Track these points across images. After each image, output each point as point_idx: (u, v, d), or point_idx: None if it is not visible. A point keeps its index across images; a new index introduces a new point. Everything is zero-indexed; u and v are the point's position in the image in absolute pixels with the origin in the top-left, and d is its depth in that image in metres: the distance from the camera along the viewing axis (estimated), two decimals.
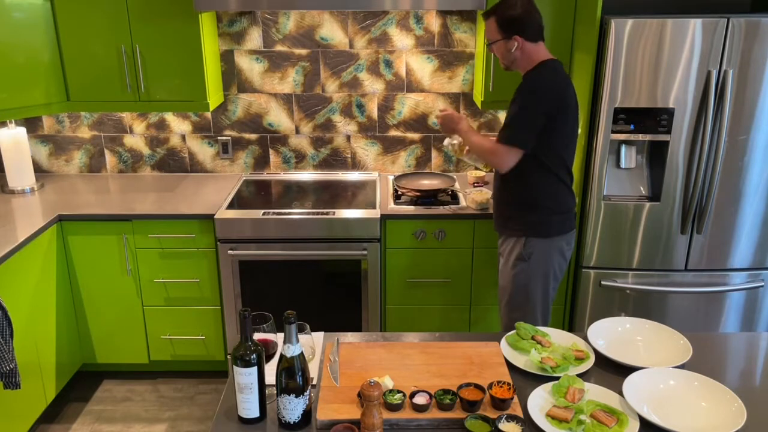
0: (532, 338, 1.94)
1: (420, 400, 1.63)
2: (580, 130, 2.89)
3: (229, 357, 3.18)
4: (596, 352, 1.89)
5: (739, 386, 1.76)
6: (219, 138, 3.51)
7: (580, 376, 1.77)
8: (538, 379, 1.77)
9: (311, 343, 1.78)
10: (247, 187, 3.38)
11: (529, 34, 2.37)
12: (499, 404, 1.62)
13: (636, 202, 2.87)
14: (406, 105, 3.44)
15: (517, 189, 2.49)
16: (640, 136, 2.79)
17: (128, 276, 3.09)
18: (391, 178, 3.44)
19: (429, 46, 3.33)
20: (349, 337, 2.02)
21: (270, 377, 1.68)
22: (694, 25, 2.61)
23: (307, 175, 3.54)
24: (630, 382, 1.71)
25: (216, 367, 3.35)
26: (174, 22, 2.96)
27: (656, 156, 2.85)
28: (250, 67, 3.37)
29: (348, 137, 3.51)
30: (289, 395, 1.56)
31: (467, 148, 2.74)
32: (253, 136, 3.51)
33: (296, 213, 3.00)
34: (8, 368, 2.39)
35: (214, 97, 3.19)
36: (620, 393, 1.69)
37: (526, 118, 2.36)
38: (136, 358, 3.26)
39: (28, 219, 2.93)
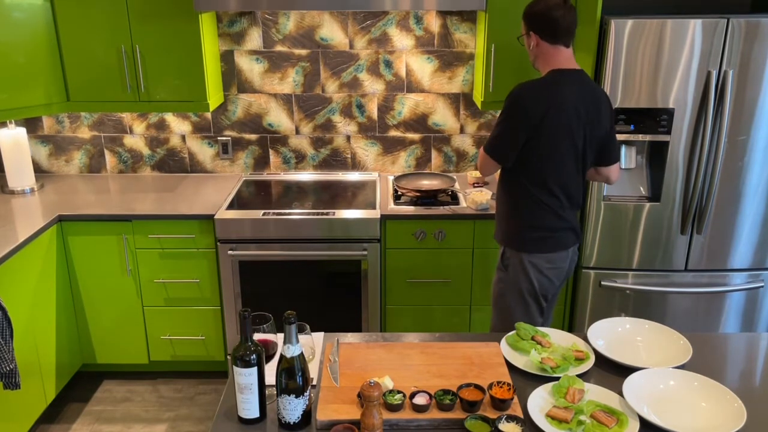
0: (532, 338, 1.94)
1: (420, 400, 1.63)
2: None
3: (229, 357, 3.18)
4: (596, 352, 1.89)
5: (739, 386, 1.76)
6: (219, 138, 3.51)
7: (580, 376, 1.77)
8: (538, 380, 1.77)
9: (311, 344, 1.78)
10: (247, 187, 3.38)
11: (546, 33, 2.28)
12: (499, 404, 1.62)
13: (636, 202, 2.87)
14: (406, 105, 3.44)
15: (499, 197, 2.49)
16: (640, 137, 2.79)
17: (128, 276, 3.09)
18: (391, 178, 3.44)
19: (429, 47, 3.34)
20: (349, 337, 2.02)
21: (270, 377, 1.68)
22: (694, 26, 2.61)
23: (307, 176, 3.54)
24: (630, 383, 1.71)
25: (216, 368, 3.35)
26: (174, 22, 2.96)
27: (656, 156, 2.85)
28: (250, 67, 3.38)
29: (348, 137, 3.51)
30: (289, 395, 1.56)
31: None
32: (253, 137, 3.51)
33: (296, 213, 3.00)
34: (8, 368, 2.39)
35: (214, 98, 3.20)
36: (620, 393, 1.69)
37: (503, 133, 2.31)
38: (136, 358, 3.26)
39: (28, 219, 2.93)
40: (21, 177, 3.29)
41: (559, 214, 2.37)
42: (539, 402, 1.67)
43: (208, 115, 3.47)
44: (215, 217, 2.98)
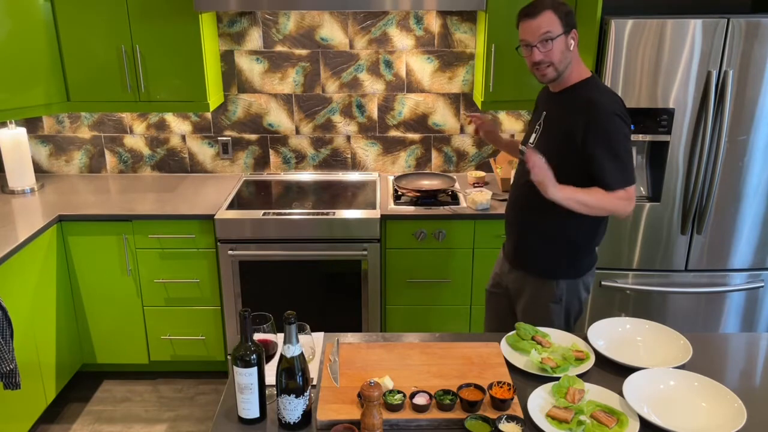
0: (532, 339, 1.94)
1: (420, 400, 1.63)
2: None
3: (229, 357, 3.18)
4: (596, 352, 1.89)
5: (739, 386, 1.76)
6: (219, 138, 3.51)
7: (580, 376, 1.76)
8: (538, 380, 1.77)
9: (311, 344, 1.78)
10: (248, 187, 3.38)
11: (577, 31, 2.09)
12: (499, 404, 1.62)
13: (636, 202, 2.87)
14: (406, 105, 3.44)
15: (557, 227, 2.16)
16: (640, 137, 2.79)
17: (128, 276, 3.09)
18: (391, 178, 3.44)
19: (429, 47, 3.33)
20: (349, 337, 2.02)
21: (270, 377, 1.68)
22: (694, 26, 2.61)
23: (307, 176, 3.54)
24: (630, 383, 1.71)
25: (216, 368, 3.35)
26: (174, 23, 2.96)
27: (656, 156, 2.85)
28: (250, 67, 3.37)
29: (348, 138, 3.51)
30: (289, 395, 1.56)
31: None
32: (253, 137, 3.51)
33: (296, 213, 3.00)
34: (8, 368, 2.39)
35: (214, 98, 3.19)
36: (620, 393, 1.69)
37: (629, 150, 2.08)
38: (136, 358, 3.26)
39: (29, 219, 2.93)
40: (21, 177, 3.29)
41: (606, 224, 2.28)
42: (539, 402, 1.67)
43: (208, 115, 3.46)
44: (215, 217, 2.98)
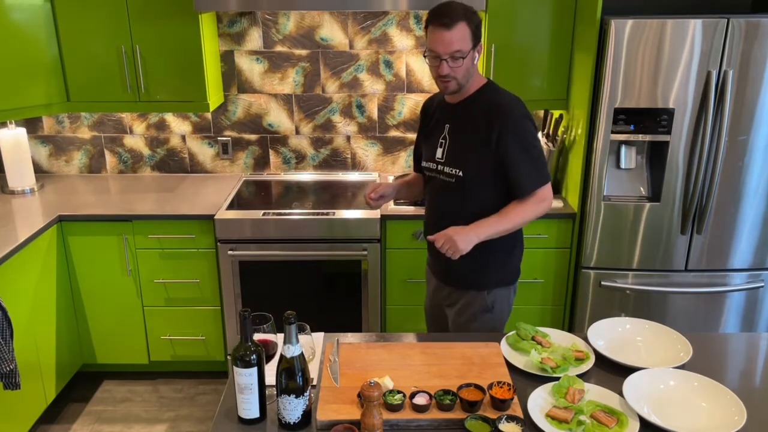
0: (533, 339, 1.94)
1: (420, 400, 1.63)
2: (580, 130, 2.90)
3: (229, 357, 3.18)
4: (596, 352, 1.89)
5: (739, 386, 1.76)
6: (219, 138, 3.51)
7: (580, 376, 1.76)
8: (538, 380, 1.77)
9: (311, 344, 1.78)
10: (247, 187, 3.38)
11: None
12: (499, 405, 1.62)
13: (636, 202, 2.87)
14: (406, 105, 3.44)
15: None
16: (640, 137, 2.79)
17: (128, 276, 3.09)
18: (391, 178, 3.44)
19: None
20: (349, 337, 2.02)
21: (270, 378, 1.68)
22: (694, 26, 2.61)
23: (307, 176, 3.54)
24: (630, 383, 1.71)
25: (216, 368, 3.35)
26: (174, 23, 2.96)
27: (656, 156, 2.85)
28: (250, 67, 3.37)
29: (348, 138, 3.51)
30: (289, 396, 1.56)
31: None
32: (253, 137, 3.51)
33: (296, 213, 3.00)
34: (8, 369, 2.39)
35: (214, 98, 3.19)
36: (620, 393, 1.69)
37: (540, 150, 2.12)
38: (136, 358, 3.26)
39: (28, 219, 2.93)
40: (21, 177, 3.29)
41: None
42: (539, 402, 1.67)
43: (208, 115, 3.46)
44: (215, 217, 2.98)
